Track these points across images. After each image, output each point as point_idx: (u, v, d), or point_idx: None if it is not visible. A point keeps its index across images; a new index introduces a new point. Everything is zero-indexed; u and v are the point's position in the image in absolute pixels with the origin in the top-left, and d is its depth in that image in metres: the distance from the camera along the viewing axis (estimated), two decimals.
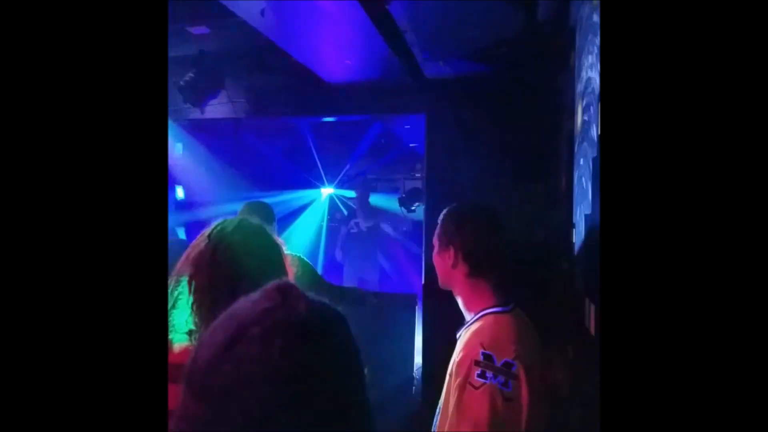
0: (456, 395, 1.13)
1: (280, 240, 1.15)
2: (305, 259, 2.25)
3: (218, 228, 1.08)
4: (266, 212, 2.27)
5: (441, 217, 1.37)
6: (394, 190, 6.08)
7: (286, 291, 0.53)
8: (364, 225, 5.43)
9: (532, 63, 2.77)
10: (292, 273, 1.12)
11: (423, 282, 3.20)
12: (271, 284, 0.54)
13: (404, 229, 5.94)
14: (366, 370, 0.55)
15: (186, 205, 5.66)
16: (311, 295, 0.55)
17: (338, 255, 5.47)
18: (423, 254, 3.26)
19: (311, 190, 6.56)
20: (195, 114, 3.70)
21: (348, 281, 5.13)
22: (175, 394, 0.53)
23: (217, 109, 3.67)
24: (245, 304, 0.53)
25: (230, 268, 0.99)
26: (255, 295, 0.53)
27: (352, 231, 5.51)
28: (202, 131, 5.32)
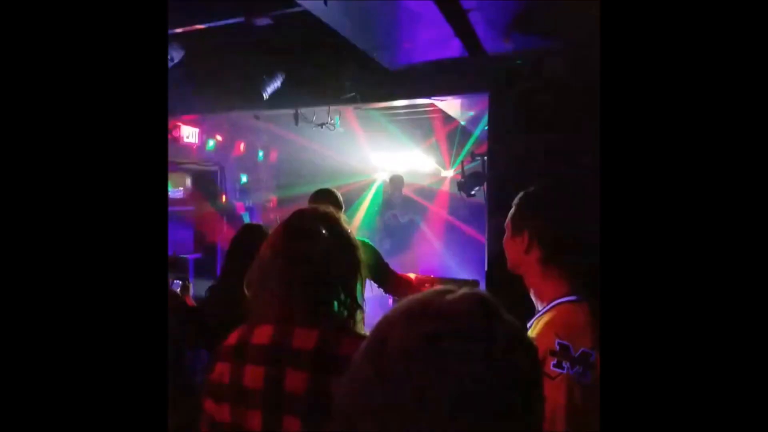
0: None
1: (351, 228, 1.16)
2: (371, 243, 2.26)
3: (297, 217, 1.10)
4: (334, 199, 2.32)
5: (516, 200, 1.32)
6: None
7: (489, 313, 0.51)
8: (401, 218, 5.30)
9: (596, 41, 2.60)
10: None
11: (486, 268, 3.15)
12: (474, 297, 0.52)
13: (456, 214, 5.80)
14: None
15: (247, 191, 5.87)
16: (508, 318, 0.52)
17: (386, 243, 5.45)
18: (486, 240, 3.19)
19: (365, 177, 6.55)
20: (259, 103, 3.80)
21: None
22: None
23: (278, 99, 3.75)
24: (443, 302, 0.51)
25: (307, 256, 1.02)
26: (454, 301, 0.51)
27: (388, 222, 5.40)
28: (264, 121, 5.46)
